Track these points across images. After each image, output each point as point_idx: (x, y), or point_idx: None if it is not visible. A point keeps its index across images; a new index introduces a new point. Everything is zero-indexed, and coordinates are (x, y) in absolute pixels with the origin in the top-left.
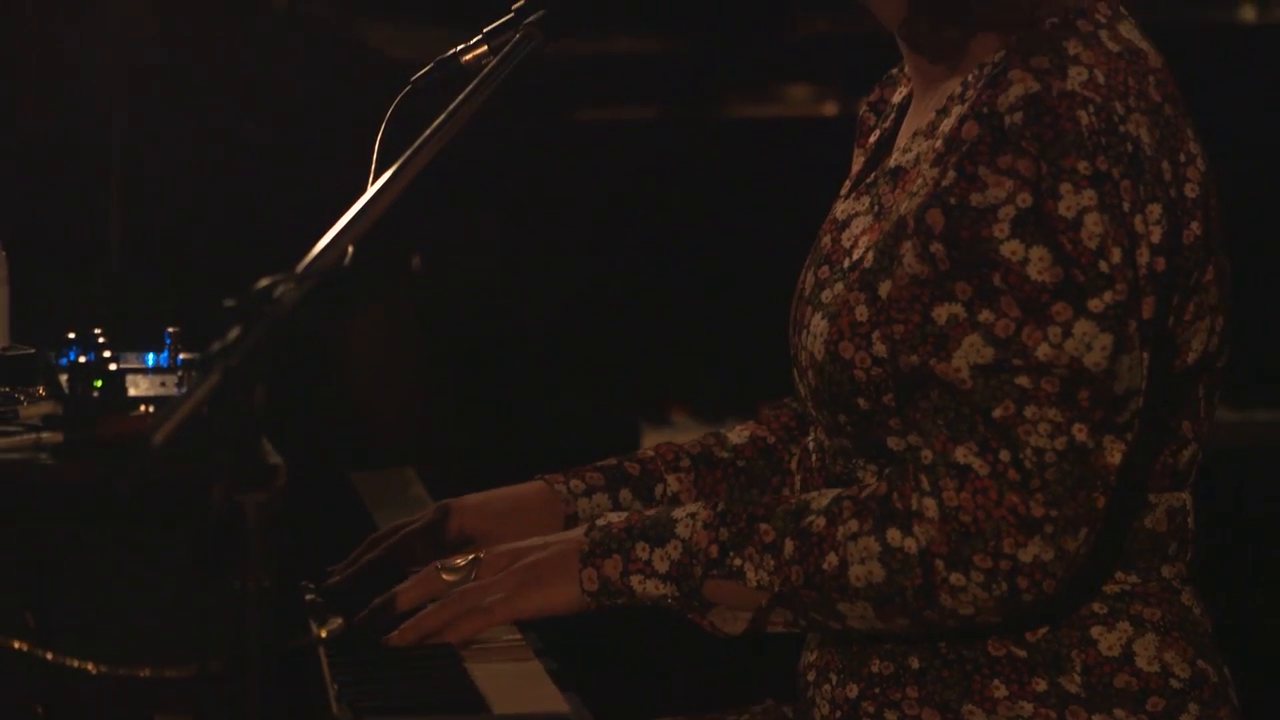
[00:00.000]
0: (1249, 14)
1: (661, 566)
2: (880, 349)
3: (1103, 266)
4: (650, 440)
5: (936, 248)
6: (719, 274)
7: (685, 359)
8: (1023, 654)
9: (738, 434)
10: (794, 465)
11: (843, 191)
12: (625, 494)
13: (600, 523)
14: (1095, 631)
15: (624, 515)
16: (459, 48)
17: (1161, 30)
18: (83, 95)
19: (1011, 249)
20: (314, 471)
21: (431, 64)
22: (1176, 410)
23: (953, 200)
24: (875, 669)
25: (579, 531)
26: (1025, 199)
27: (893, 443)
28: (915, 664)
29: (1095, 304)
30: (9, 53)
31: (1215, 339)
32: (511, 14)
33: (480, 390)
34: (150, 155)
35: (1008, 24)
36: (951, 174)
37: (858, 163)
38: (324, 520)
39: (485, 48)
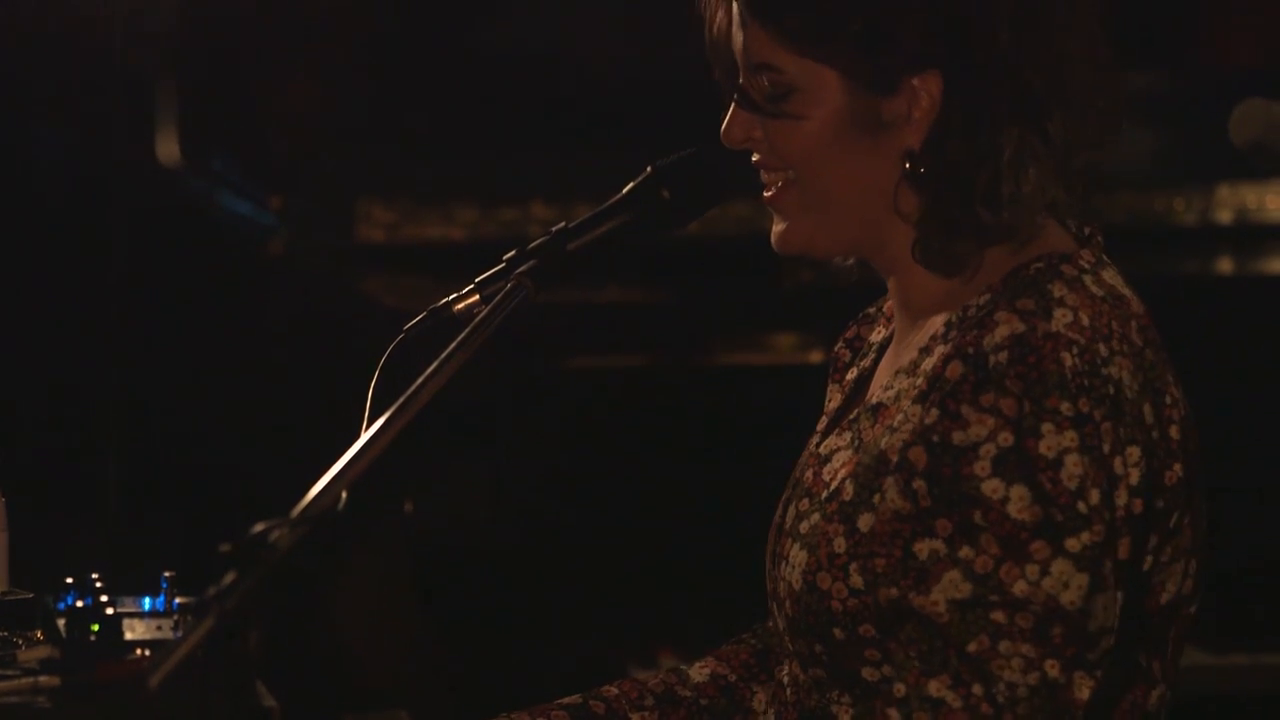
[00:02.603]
0: (1226, 266)
1: None
2: (857, 580)
3: (1081, 507)
4: None
5: (919, 484)
6: (706, 518)
7: (672, 601)
8: None
9: (698, 671)
10: (756, 703)
11: (820, 427)
12: None
13: None
14: None
15: None
16: (451, 297)
17: (1140, 280)
18: (79, 344)
19: (992, 487)
20: (308, 715)
21: (424, 312)
22: (1148, 651)
23: (935, 438)
24: None
25: None
26: (1007, 438)
27: (867, 673)
28: None
29: (1073, 544)
30: (8, 302)
31: (1189, 582)
32: (503, 264)
33: (471, 633)
34: (146, 400)
35: (1019, 230)
36: (935, 412)
37: (834, 399)
38: None
39: (477, 297)
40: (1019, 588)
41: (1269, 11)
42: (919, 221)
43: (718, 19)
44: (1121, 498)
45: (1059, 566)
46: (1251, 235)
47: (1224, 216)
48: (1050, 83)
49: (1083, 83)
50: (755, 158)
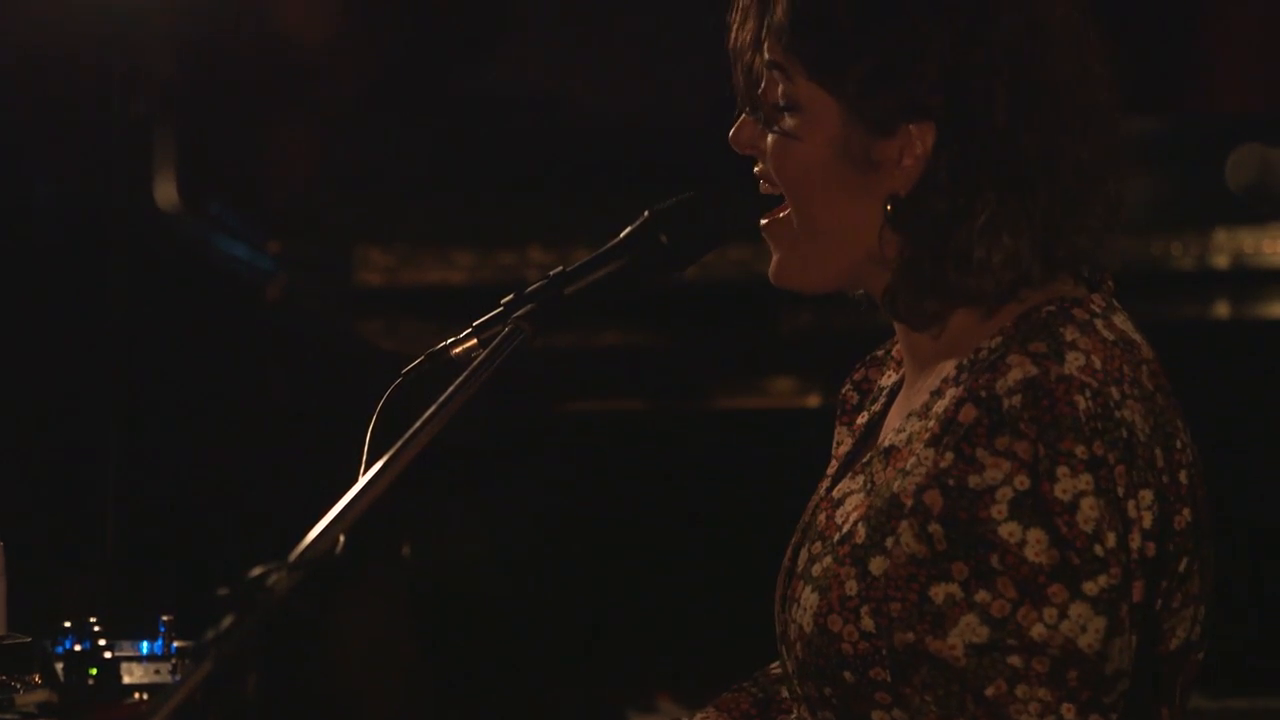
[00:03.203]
0: (1223, 310)
1: None
2: (868, 623)
3: (1098, 550)
4: None
5: (934, 528)
6: (704, 561)
7: (671, 646)
8: None
9: None
10: None
11: (830, 471)
12: None
13: None
14: None
15: None
16: (449, 340)
17: (1138, 324)
18: (77, 387)
19: (1009, 530)
20: None
21: (422, 356)
22: (1158, 697)
23: (951, 482)
24: None
25: None
26: (1023, 481)
27: (877, 716)
28: None
29: (1090, 587)
30: (6, 345)
31: (1198, 628)
32: (500, 308)
33: (470, 678)
34: (144, 443)
35: (986, 296)
36: (950, 455)
37: (844, 443)
38: None
39: (475, 341)
40: (1036, 631)
41: (1266, 56)
42: (893, 271)
43: (748, 27)
44: (1135, 540)
45: (1077, 609)
46: (1249, 279)
47: (1221, 261)
48: (1044, 158)
49: (1080, 166)
50: (758, 168)
